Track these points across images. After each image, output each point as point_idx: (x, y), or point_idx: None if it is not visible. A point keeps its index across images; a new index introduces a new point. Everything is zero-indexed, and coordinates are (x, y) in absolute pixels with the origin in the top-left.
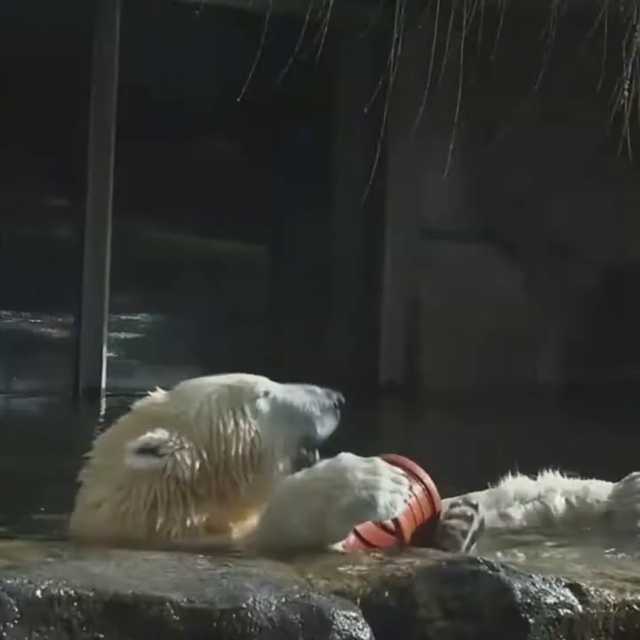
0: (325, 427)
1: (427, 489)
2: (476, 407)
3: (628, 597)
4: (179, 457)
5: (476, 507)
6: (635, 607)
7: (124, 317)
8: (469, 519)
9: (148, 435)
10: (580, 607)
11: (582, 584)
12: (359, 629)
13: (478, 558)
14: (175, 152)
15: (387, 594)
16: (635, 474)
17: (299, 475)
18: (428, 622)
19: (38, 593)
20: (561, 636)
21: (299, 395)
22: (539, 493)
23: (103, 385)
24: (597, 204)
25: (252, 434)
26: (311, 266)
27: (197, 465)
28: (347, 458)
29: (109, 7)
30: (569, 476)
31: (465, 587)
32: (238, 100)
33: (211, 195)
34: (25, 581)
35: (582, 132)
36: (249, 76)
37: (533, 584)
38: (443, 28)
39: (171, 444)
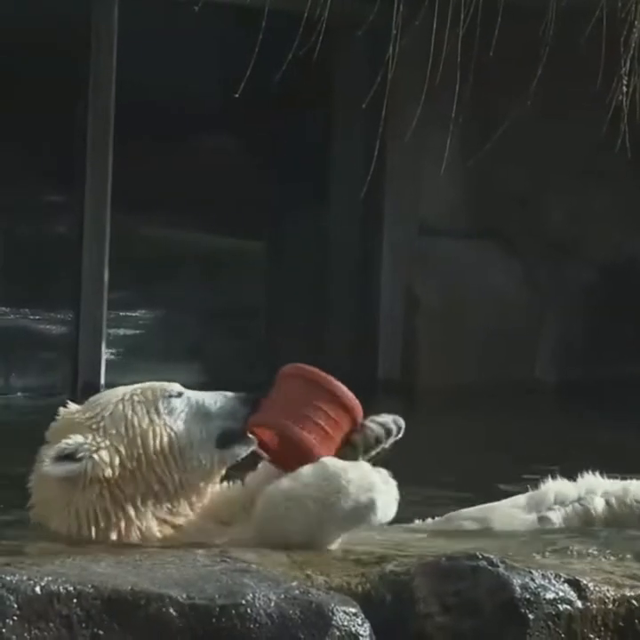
0: (242, 419)
1: (338, 398)
2: (474, 404)
3: (628, 593)
4: (97, 457)
5: (399, 427)
6: (634, 603)
7: (122, 314)
8: (389, 432)
9: (63, 441)
10: (579, 603)
11: (582, 580)
12: (358, 625)
13: (477, 554)
14: (174, 149)
15: (386, 589)
16: None
17: (285, 482)
18: (426, 618)
19: (37, 589)
20: (560, 632)
21: (210, 395)
22: (578, 495)
23: (102, 382)
24: (596, 202)
25: (168, 430)
26: (309, 262)
27: (117, 462)
28: (332, 462)
29: (108, 4)
30: (609, 477)
31: (464, 582)
32: (236, 96)
33: (209, 192)
34: (24, 578)
35: (581, 129)
36: (247, 73)
37: (533, 579)
38: (441, 25)
39: (86, 446)
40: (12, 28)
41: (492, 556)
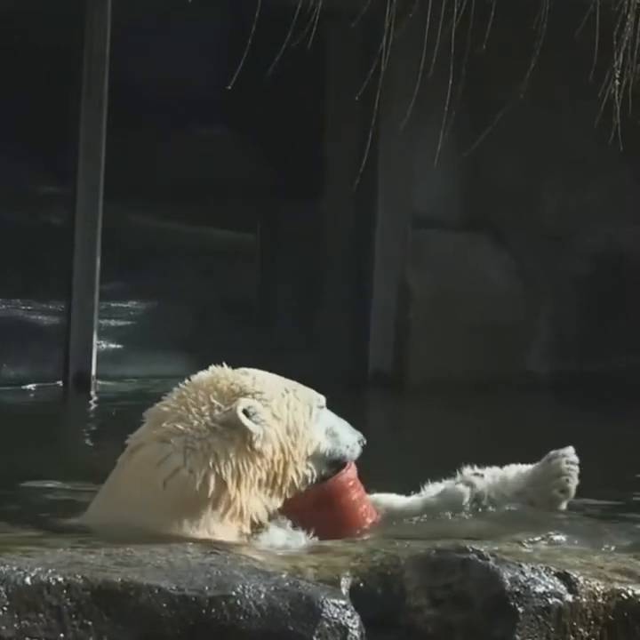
0: (356, 455)
1: None
2: (466, 397)
3: (617, 587)
4: (265, 430)
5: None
6: (624, 597)
7: (114, 305)
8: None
9: (252, 400)
10: (569, 596)
11: (571, 573)
12: (348, 617)
13: (468, 547)
14: (166, 139)
15: (375, 582)
16: (552, 453)
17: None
18: (416, 611)
19: (28, 580)
20: (550, 626)
21: (342, 421)
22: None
23: (93, 372)
24: (589, 194)
25: (312, 435)
26: (302, 253)
27: (274, 444)
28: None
29: None
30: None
31: (454, 575)
32: (229, 87)
33: (202, 182)
34: (14, 568)
35: (574, 121)
36: (241, 64)
37: (522, 573)
38: (434, 17)
39: (263, 417)
40: (5, 17)
41: (482, 549)
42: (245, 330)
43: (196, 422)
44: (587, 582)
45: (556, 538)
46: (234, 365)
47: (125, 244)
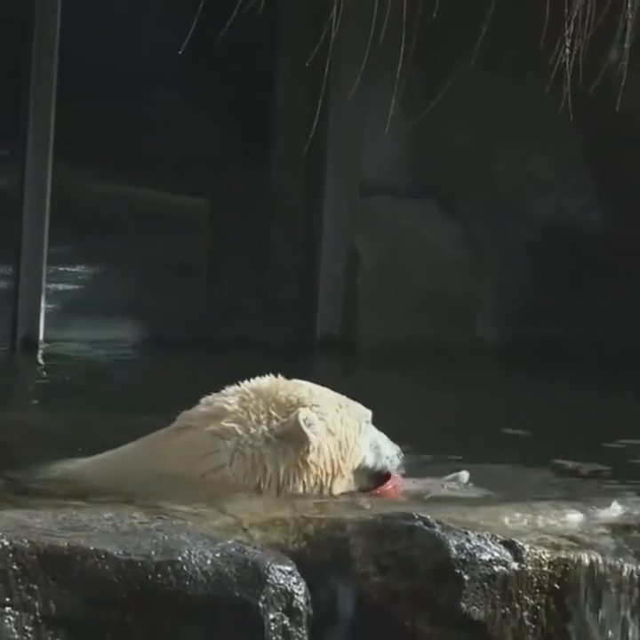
0: (392, 468)
1: None
2: (413, 363)
3: (563, 555)
4: (319, 442)
5: None
6: (569, 564)
7: (62, 269)
8: None
9: (310, 412)
10: (514, 564)
11: (517, 541)
12: (294, 583)
13: (414, 514)
14: (116, 104)
15: (322, 548)
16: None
17: None
18: (362, 577)
19: None
20: (495, 593)
21: (382, 434)
22: None
23: (41, 336)
24: (539, 162)
25: (360, 449)
26: (251, 219)
27: (324, 456)
28: None
29: None
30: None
31: (400, 542)
32: (180, 53)
33: (151, 148)
34: None
35: (525, 89)
36: (191, 30)
37: (468, 540)
38: None
39: (318, 429)
40: None
41: (428, 517)
42: (194, 295)
43: (252, 429)
44: (532, 550)
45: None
46: (179, 333)
47: (75, 209)
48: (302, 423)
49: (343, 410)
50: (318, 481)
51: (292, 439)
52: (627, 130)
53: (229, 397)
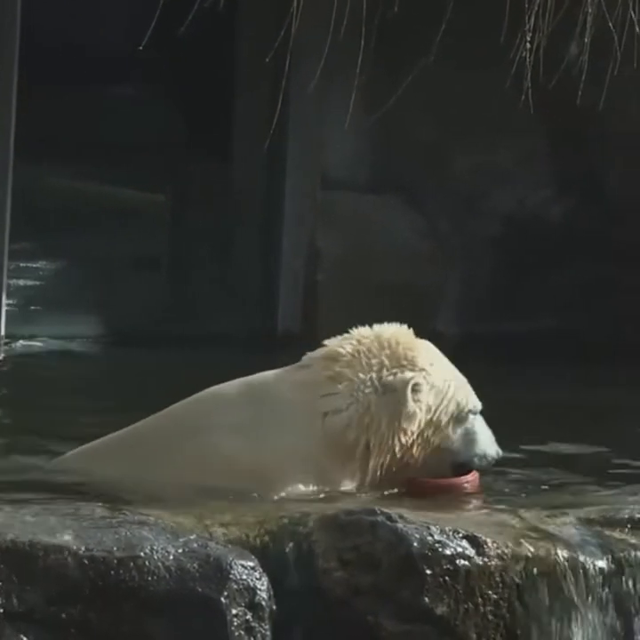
0: (481, 466)
1: None
2: None
3: (526, 549)
4: (421, 406)
5: None
6: (532, 559)
7: (23, 265)
8: None
9: (420, 378)
10: (477, 559)
11: (480, 535)
12: (256, 579)
13: (376, 509)
14: (78, 99)
15: (284, 543)
16: None
17: None
18: (325, 572)
19: None
20: (458, 588)
21: (487, 430)
22: None
23: (2, 332)
24: (500, 155)
25: (450, 432)
26: (212, 212)
27: (421, 420)
28: None
29: None
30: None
31: (362, 537)
32: (141, 47)
33: (112, 142)
34: None
35: (486, 83)
36: (153, 23)
37: (431, 535)
38: None
39: (424, 397)
40: None
41: (390, 512)
42: (155, 289)
43: (361, 375)
44: (495, 544)
45: (469, 499)
46: (141, 329)
47: (36, 204)
48: (408, 387)
49: (451, 389)
50: (402, 447)
51: (394, 396)
52: (587, 123)
53: (346, 340)
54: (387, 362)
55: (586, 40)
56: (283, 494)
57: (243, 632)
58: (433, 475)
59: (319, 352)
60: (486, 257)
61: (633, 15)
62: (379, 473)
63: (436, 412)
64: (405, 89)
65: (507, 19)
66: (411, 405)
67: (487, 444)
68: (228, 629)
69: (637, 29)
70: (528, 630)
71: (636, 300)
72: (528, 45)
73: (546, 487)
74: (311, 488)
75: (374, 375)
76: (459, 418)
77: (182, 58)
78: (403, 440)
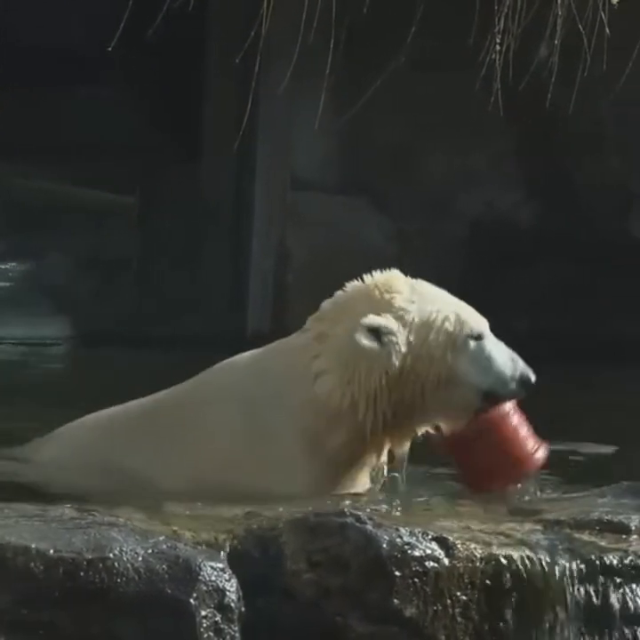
0: (511, 391)
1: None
2: None
3: (495, 551)
4: (393, 352)
5: None
6: (501, 561)
7: None
8: None
9: (383, 319)
10: (446, 561)
11: (449, 537)
12: (225, 580)
13: (346, 511)
14: (48, 99)
15: (253, 545)
16: None
17: None
18: (294, 574)
19: None
20: (427, 590)
21: (503, 353)
22: None
23: None
24: (470, 158)
25: (450, 365)
26: (182, 214)
27: (404, 362)
28: None
29: None
30: None
31: (331, 539)
32: (110, 48)
33: (82, 143)
34: None
35: (455, 85)
36: (122, 24)
37: (400, 537)
38: None
39: (393, 338)
40: None
41: (359, 513)
42: (126, 291)
43: (339, 330)
44: (464, 546)
45: (436, 500)
46: (110, 330)
47: (4, 205)
48: (357, 336)
49: (438, 321)
50: (403, 390)
51: (360, 345)
52: (557, 125)
53: (338, 296)
54: (365, 310)
55: (556, 42)
56: (286, 473)
57: (212, 633)
58: (460, 415)
59: (316, 314)
60: (455, 259)
61: (603, 17)
62: (381, 426)
63: (422, 347)
64: (375, 91)
65: (476, 21)
66: (370, 348)
67: (504, 365)
68: (197, 631)
69: (607, 31)
70: (497, 632)
71: (605, 300)
72: (497, 47)
73: (516, 489)
74: (313, 464)
75: (351, 327)
76: (457, 347)
77: (152, 59)
78: (389, 387)
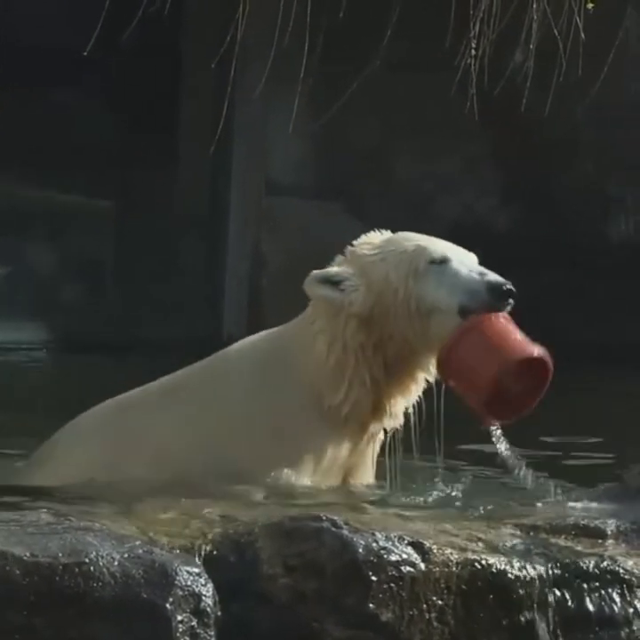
0: (484, 302)
1: None
2: None
3: (471, 556)
4: (353, 295)
5: None
6: (477, 566)
7: None
8: None
9: (333, 268)
10: (422, 565)
11: (425, 542)
12: (201, 585)
13: (322, 515)
14: (23, 104)
15: (229, 550)
16: None
17: None
18: (270, 578)
19: None
20: (403, 594)
21: (468, 269)
22: None
23: None
24: (446, 162)
25: (416, 293)
26: (158, 218)
27: (369, 304)
28: None
29: None
30: None
31: (307, 543)
32: (85, 53)
33: (56, 146)
34: None
35: (431, 89)
36: (97, 28)
37: (376, 542)
38: None
39: (349, 282)
40: None
41: (335, 518)
42: (101, 296)
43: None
44: (440, 551)
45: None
46: (88, 334)
47: None
48: (308, 287)
49: (397, 253)
50: (381, 330)
51: (324, 298)
52: (533, 129)
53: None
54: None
55: (531, 47)
56: (295, 427)
57: (188, 638)
58: (445, 339)
59: None
60: None
61: (578, 22)
62: (377, 376)
63: (384, 282)
64: (350, 95)
65: (451, 25)
66: (327, 296)
67: (470, 279)
68: (173, 635)
69: (582, 36)
70: (472, 637)
71: (583, 304)
72: (473, 52)
73: (492, 493)
74: (319, 421)
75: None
76: (418, 273)
77: (128, 62)
78: (367, 332)
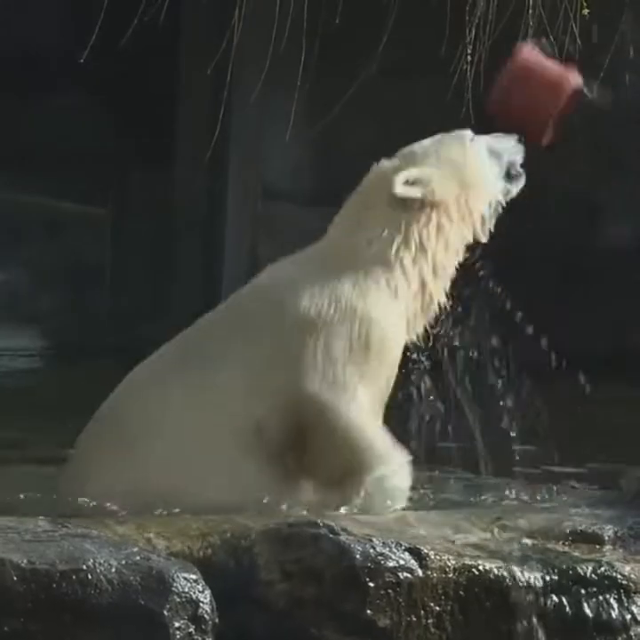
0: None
1: None
2: None
3: (468, 562)
4: (437, 187)
5: None
6: (474, 572)
7: None
8: None
9: (408, 172)
10: (420, 571)
11: (423, 548)
12: (199, 592)
13: (319, 521)
14: (18, 108)
15: (227, 556)
16: None
17: None
18: (267, 585)
19: None
20: (400, 601)
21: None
22: None
23: None
24: None
25: (479, 164)
26: (154, 225)
27: (447, 189)
28: None
29: None
30: None
31: (305, 549)
32: (82, 60)
33: (53, 151)
34: None
35: (428, 95)
36: (94, 33)
37: (373, 548)
38: None
39: (427, 174)
40: None
41: (333, 524)
42: (97, 301)
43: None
44: (437, 557)
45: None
46: (83, 340)
47: None
48: (397, 189)
49: (443, 142)
50: (459, 208)
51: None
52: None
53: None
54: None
55: None
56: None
57: None
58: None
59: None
60: None
61: (574, 28)
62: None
63: (454, 171)
64: (347, 100)
65: (448, 31)
66: (411, 193)
67: (501, 143)
68: None
69: (578, 42)
70: None
71: (575, 315)
72: (469, 57)
73: (489, 499)
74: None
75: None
76: (470, 153)
77: (124, 68)
78: (443, 212)
